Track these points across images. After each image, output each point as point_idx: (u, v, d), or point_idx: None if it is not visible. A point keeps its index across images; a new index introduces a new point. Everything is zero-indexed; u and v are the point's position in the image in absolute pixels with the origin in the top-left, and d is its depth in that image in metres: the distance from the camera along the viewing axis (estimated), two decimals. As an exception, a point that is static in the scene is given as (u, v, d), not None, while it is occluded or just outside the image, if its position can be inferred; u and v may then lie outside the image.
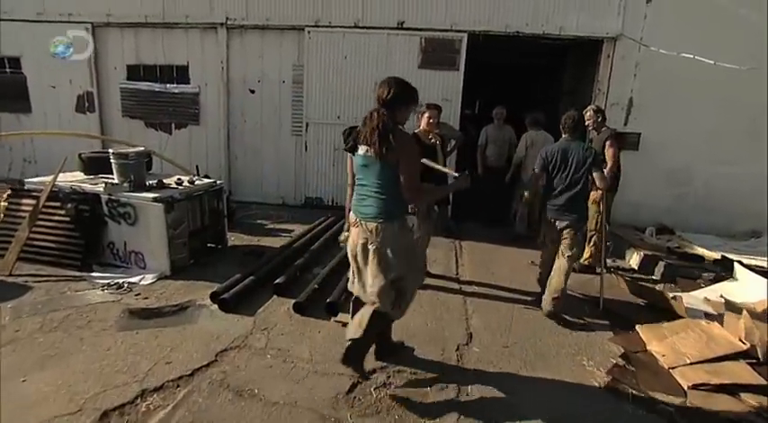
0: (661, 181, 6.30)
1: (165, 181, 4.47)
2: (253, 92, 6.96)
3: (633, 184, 5.80)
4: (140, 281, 3.94)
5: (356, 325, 2.55)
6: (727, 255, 5.00)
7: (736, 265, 4.53)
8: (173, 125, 7.25)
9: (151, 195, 4.02)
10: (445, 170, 2.89)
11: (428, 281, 4.27)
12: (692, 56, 4.54)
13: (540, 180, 3.95)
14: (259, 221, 6.19)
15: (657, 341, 3.23)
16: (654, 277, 4.81)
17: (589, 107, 4.85)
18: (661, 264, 4.68)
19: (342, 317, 3.38)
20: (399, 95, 2.36)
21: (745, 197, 6.20)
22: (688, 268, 4.80)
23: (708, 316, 3.61)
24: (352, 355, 2.52)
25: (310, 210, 6.89)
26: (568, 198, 3.71)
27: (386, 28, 6.37)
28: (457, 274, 4.63)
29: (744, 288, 4.29)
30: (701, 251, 5.33)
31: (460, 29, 6.23)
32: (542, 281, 4.01)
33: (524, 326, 3.54)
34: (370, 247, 2.40)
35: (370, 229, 2.39)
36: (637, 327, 3.55)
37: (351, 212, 2.58)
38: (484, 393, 2.66)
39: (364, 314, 2.54)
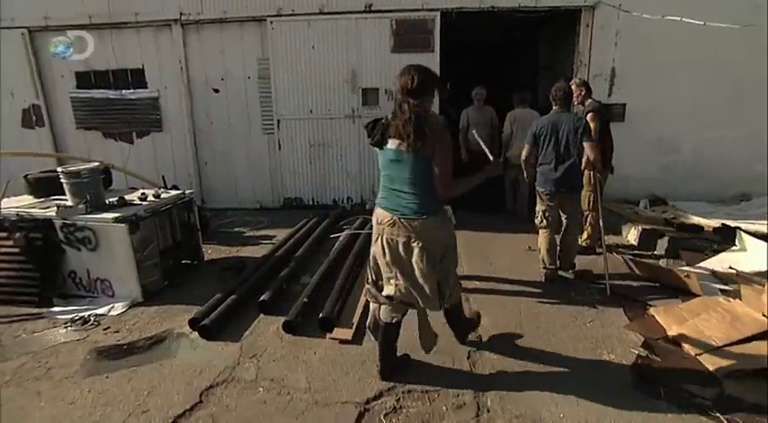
0: (649, 151, 6.14)
1: (127, 197, 4.03)
2: (217, 91, 6.48)
3: (621, 156, 5.54)
4: (109, 311, 3.53)
5: (426, 334, 2.63)
6: (725, 222, 4.87)
7: (738, 232, 4.38)
8: (134, 134, 6.71)
9: (111, 215, 3.59)
10: (486, 151, 2.67)
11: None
12: (678, 18, 4.31)
13: (531, 156, 3.83)
14: (237, 230, 5.79)
15: (678, 325, 3.02)
16: (656, 252, 4.64)
17: (573, 80, 4.63)
18: (664, 239, 4.49)
19: (338, 332, 3.06)
20: (425, 83, 2.21)
21: (733, 162, 6.12)
22: (689, 240, 4.64)
23: (724, 292, 3.42)
24: (462, 335, 2.95)
25: (290, 211, 6.51)
26: (564, 170, 3.69)
27: (353, 12, 5.97)
28: (454, 268, 4.35)
29: (750, 256, 4.15)
30: (697, 220, 5.19)
31: (432, 7, 5.87)
32: (556, 268, 3.89)
33: (534, 321, 3.29)
34: (414, 244, 2.29)
35: (412, 226, 2.27)
36: (651, 310, 3.35)
37: (380, 210, 2.40)
38: (505, 404, 2.40)
39: (421, 321, 2.59)
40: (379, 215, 2.39)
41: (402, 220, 2.29)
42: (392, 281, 2.40)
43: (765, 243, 4.14)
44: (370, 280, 2.54)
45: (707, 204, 5.98)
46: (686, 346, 2.83)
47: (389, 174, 2.33)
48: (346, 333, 3.03)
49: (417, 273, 2.32)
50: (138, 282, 3.67)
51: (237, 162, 6.70)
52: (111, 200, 3.89)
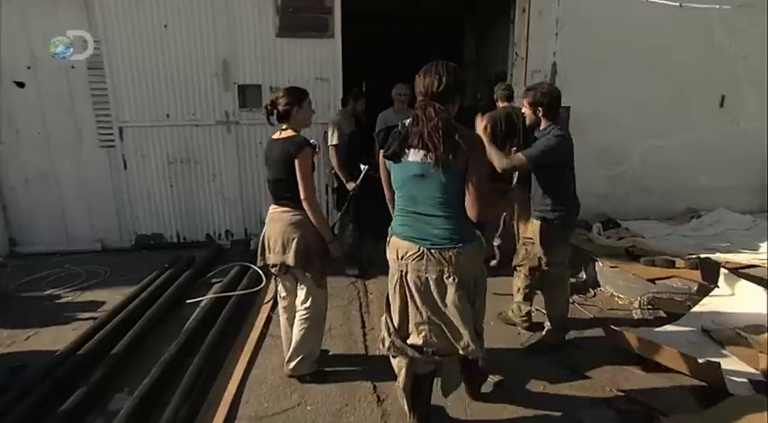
0: (595, 161, 5.21)
1: None
2: (22, 85, 4.47)
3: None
4: None
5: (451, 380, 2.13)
6: (700, 255, 3.97)
7: (723, 273, 3.45)
8: None
9: None
10: None
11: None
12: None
13: None
14: (49, 292, 3.88)
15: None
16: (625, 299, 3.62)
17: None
18: (644, 297, 3.46)
19: None
20: (454, 85, 1.84)
21: (680, 172, 5.46)
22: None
23: (755, 384, 2.34)
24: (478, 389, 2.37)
25: (145, 253, 4.72)
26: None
27: (220, -21, 4.35)
28: (366, 349, 2.95)
29: (744, 304, 3.24)
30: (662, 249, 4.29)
31: (330, -23, 4.44)
32: None
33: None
34: (449, 281, 1.86)
35: (446, 258, 1.84)
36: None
37: (400, 240, 1.94)
38: None
39: (452, 372, 2.12)
40: (400, 247, 1.95)
41: (433, 251, 1.87)
42: (421, 327, 1.97)
43: (760, 287, 3.26)
44: (391, 328, 2.04)
45: (658, 224, 5.24)
46: None
47: (411, 193, 1.94)
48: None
49: (455, 315, 1.90)
50: None
51: (65, 187, 4.73)
52: None
